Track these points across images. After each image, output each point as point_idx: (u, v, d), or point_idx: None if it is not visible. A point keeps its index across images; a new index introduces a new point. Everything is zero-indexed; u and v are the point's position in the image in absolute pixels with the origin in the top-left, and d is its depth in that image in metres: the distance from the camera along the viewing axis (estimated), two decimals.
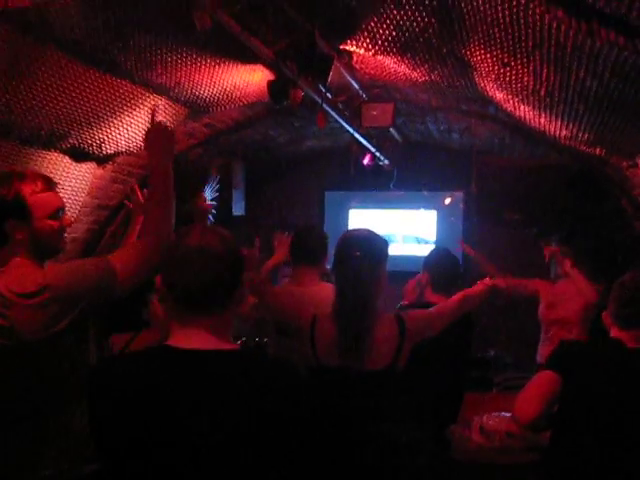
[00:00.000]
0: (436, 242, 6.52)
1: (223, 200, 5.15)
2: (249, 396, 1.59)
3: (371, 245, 2.76)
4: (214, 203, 3.21)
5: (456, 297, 2.98)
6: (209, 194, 4.90)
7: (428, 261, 3.81)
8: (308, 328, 2.74)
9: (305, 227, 3.81)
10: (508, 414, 3.16)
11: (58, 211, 2.35)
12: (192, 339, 1.63)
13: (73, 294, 2.13)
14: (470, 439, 3.15)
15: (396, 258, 3.88)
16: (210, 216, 3.30)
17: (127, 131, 4.05)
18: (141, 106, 3.88)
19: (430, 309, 2.92)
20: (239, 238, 5.75)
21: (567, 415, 2.53)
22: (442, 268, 3.71)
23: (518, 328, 5.85)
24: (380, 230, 2.98)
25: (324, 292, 3.31)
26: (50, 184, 2.38)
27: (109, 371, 1.69)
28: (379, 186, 6.20)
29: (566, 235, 4.80)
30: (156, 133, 2.54)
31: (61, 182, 4.18)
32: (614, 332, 2.57)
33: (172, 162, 2.48)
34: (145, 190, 3.52)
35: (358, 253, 2.69)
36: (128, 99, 3.72)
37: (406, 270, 4.51)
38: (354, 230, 3.00)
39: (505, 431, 3.07)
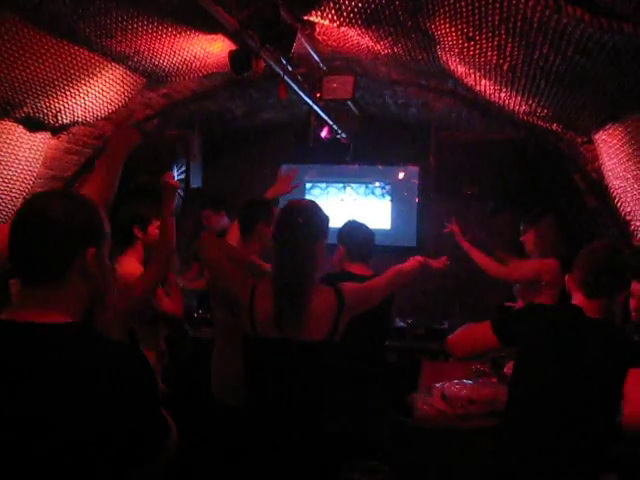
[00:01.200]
0: (392, 215, 6.59)
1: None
2: (57, 375, 1.48)
3: (313, 216, 2.78)
4: (180, 178, 3.21)
5: (389, 272, 3.03)
6: (176, 172, 4.87)
7: (341, 234, 3.87)
8: (248, 298, 2.74)
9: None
10: (469, 381, 3.26)
11: None
12: (21, 310, 1.57)
13: None
14: (432, 405, 3.22)
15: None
16: (180, 192, 3.30)
17: (84, 100, 3.97)
18: (99, 75, 3.80)
19: (365, 283, 2.95)
20: (196, 210, 5.72)
21: (521, 381, 2.61)
22: (355, 239, 3.81)
23: (472, 300, 5.97)
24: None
25: None
26: None
27: None
28: (336, 160, 6.22)
29: (521, 211, 4.91)
30: (124, 131, 2.59)
31: (14, 152, 4.09)
32: (578, 300, 2.61)
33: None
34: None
35: (300, 221, 2.71)
36: (86, 67, 3.65)
37: None
38: (297, 200, 3.03)
39: (467, 398, 3.15)
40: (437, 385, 3.33)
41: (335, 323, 2.68)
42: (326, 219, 2.83)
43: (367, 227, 3.89)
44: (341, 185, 6.78)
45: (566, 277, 2.70)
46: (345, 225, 3.89)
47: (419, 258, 3.13)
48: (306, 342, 2.66)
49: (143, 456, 1.60)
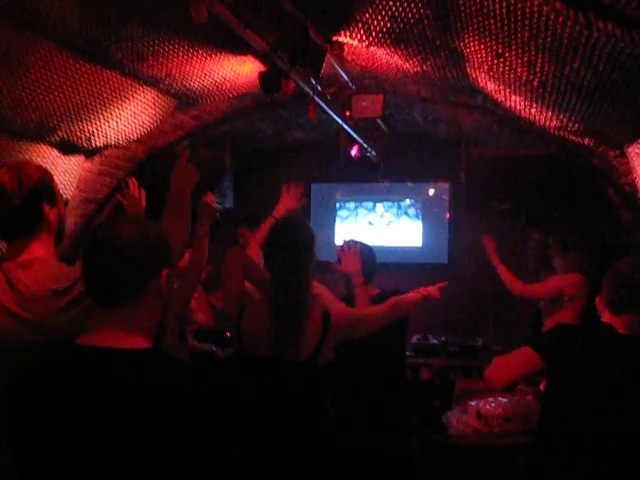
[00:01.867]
0: (423, 232, 6.57)
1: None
2: (139, 401, 1.50)
3: (307, 234, 2.81)
4: (219, 204, 3.24)
5: (388, 303, 3.02)
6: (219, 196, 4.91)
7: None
8: (235, 316, 2.75)
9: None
10: (504, 399, 3.22)
11: None
12: (98, 335, 1.59)
13: None
14: (467, 424, 3.19)
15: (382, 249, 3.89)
16: (217, 215, 3.33)
17: (117, 123, 4.04)
18: (131, 98, 3.87)
19: (358, 311, 2.98)
20: (228, 231, 5.73)
21: (554, 399, 2.58)
22: (370, 261, 3.70)
23: (505, 317, 5.91)
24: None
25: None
26: None
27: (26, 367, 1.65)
28: (366, 178, 6.23)
29: (553, 226, 4.88)
30: (183, 170, 2.61)
31: None
32: (606, 317, 2.59)
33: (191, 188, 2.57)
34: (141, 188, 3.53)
35: (299, 241, 2.73)
36: (118, 91, 3.71)
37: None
38: (289, 217, 3.03)
39: (502, 416, 3.12)
40: (472, 403, 3.29)
41: (318, 345, 2.68)
42: (315, 236, 2.85)
43: (367, 246, 3.78)
44: (371, 204, 6.77)
45: (596, 299, 2.68)
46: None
47: (422, 290, 3.12)
48: (289, 362, 2.66)
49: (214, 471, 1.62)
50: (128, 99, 3.86)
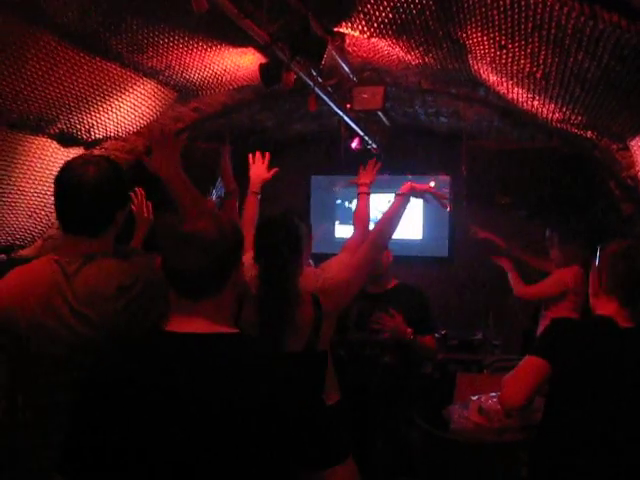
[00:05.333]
0: (424, 225, 6.56)
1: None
2: (245, 381, 1.55)
3: (290, 233, 2.77)
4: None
5: (370, 238, 3.18)
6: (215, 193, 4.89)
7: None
8: (236, 310, 2.71)
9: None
10: None
11: None
12: (189, 324, 1.63)
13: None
14: (468, 419, 3.17)
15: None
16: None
17: (116, 115, 4.00)
18: (130, 90, 3.84)
19: (343, 276, 2.87)
20: None
21: (558, 394, 2.54)
22: None
23: (505, 310, 5.89)
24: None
25: None
26: None
27: (106, 358, 1.68)
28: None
29: (554, 219, 4.88)
30: (158, 151, 2.54)
31: (49, 167, 4.13)
32: (606, 307, 2.51)
33: (180, 167, 2.49)
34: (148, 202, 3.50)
35: (279, 238, 2.71)
36: (118, 82, 3.68)
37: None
38: (272, 215, 3.01)
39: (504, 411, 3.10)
40: (474, 398, 3.27)
41: (314, 333, 2.68)
42: (301, 227, 2.83)
43: None
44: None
45: (591, 279, 2.61)
46: None
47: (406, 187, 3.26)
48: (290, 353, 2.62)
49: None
50: (127, 91, 3.83)
